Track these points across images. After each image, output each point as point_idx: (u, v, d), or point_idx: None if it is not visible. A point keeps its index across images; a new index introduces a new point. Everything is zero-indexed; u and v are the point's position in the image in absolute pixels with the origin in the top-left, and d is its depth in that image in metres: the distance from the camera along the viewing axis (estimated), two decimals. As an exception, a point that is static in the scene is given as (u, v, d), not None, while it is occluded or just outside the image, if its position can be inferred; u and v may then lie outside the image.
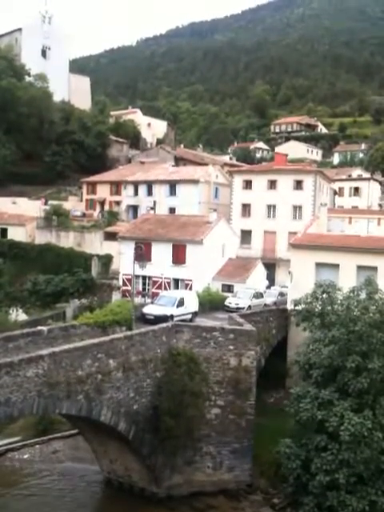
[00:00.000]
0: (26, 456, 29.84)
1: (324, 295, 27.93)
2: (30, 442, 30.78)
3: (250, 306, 37.63)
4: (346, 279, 32.39)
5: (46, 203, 67.63)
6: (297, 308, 29.34)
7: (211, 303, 38.14)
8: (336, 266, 34.96)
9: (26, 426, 31.11)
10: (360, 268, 34.06)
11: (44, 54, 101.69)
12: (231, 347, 26.94)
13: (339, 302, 27.39)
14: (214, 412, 26.71)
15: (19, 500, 25.81)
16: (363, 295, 27.27)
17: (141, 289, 45.34)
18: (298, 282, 35.03)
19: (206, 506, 25.60)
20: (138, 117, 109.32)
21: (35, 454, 30.15)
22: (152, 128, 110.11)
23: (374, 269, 33.56)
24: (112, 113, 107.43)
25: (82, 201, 75.28)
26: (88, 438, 27.33)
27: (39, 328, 25.56)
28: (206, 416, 26.37)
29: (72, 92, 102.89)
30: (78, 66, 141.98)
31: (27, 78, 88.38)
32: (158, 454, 25.58)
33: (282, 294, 41.79)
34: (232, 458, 26.83)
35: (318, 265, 35.77)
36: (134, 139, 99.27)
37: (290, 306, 34.35)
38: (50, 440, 31.25)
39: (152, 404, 25.04)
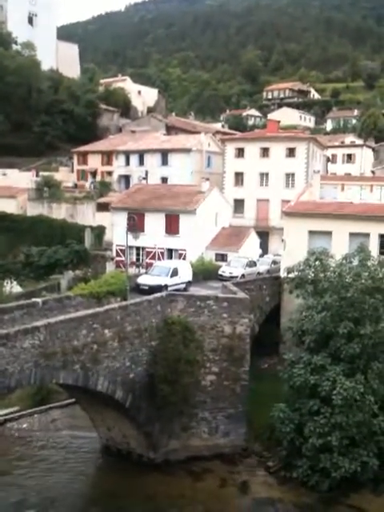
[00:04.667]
0: (24, 425, 30.27)
1: (317, 262, 28.10)
2: (28, 412, 31.16)
3: (243, 275, 37.84)
4: (339, 246, 32.54)
5: (36, 174, 67.02)
6: (290, 275, 29.54)
7: (205, 272, 38.26)
8: (329, 234, 35.05)
9: (23, 397, 31.37)
10: (352, 235, 34.17)
11: (31, 21, 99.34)
12: (225, 315, 27.16)
13: (332, 269, 27.60)
14: (209, 379, 27.08)
15: (19, 468, 26.26)
16: (356, 262, 27.49)
17: (134, 259, 45.42)
18: (291, 249, 35.16)
19: (203, 470, 26.13)
20: (127, 84, 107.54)
21: (33, 423, 30.59)
22: (142, 96, 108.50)
23: (367, 235, 33.73)
24: (101, 81, 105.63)
25: (72, 171, 74.65)
26: (85, 406, 27.69)
27: (34, 300, 25.62)
28: (201, 383, 26.74)
29: (60, 60, 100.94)
30: (65, 34, 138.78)
31: (14, 47, 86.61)
32: (154, 420, 26.01)
33: (275, 262, 42.01)
34: (227, 423, 27.30)
35: (311, 232, 35.83)
36: (125, 108, 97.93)
37: (283, 274, 34.57)
38: (47, 409, 31.65)
39: (148, 372, 25.35)
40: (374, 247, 32.68)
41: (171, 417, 26.35)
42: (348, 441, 23.73)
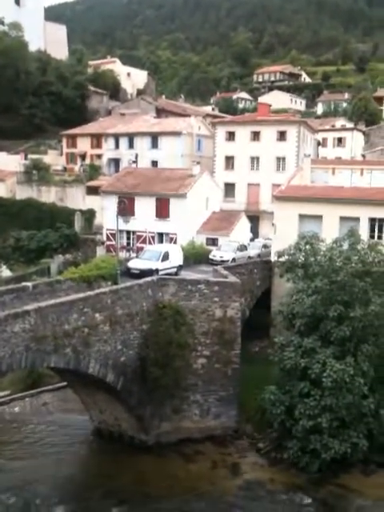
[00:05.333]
0: (16, 409, 30.36)
1: (307, 246, 28.19)
2: (20, 396, 31.21)
3: (234, 259, 37.85)
4: (329, 230, 32.62)
5: (25, 157, 66.30)
6: (280, 259, 29.62)
7: (196, 256, 38.29)
8: (319, 218, 35.06)
9: (14, 381, 31.45)
10: (343, 219, 34.21)
11: (18, 1, 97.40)
12: (216, 299, 27.24)
13: (322, 252, 27.72)
14: (200, 362, 27.24)
15: (11, 451, 26.35)
16: (346, 246, 27.60)
17: (125, 243, 45.25)
18: (282, 233, 35.17)
19: (194, 452, 26.39)
20: (117, 66, 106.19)
21: (25, 406, 30.67)
22: (132, 78, 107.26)
23: (357, 219, 33.79)
24: (90, 62, 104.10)
25: (61, 154, 73.89)
26: (77, 389, 27.78)
27: (24, 284, 25.56)
28: (192, 366, 26.90)
29: (48, 41, 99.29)
30: (53, 14, 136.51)
31: (1, 28, 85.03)
32: (146, 403, 26.16)
33: (265, 246, 42.04)
34: (218, 406, 27.54)
35: (302, 216, 35.83)
36: (114, 90, 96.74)
37: (273, 258, 34.61)
38: (39, 393, 31.71)
39: (139, 356, 25.44)
40: (364, 231, 32.78)
41: (162, 399, 26.51)
42: (338, 422, 24.00)
